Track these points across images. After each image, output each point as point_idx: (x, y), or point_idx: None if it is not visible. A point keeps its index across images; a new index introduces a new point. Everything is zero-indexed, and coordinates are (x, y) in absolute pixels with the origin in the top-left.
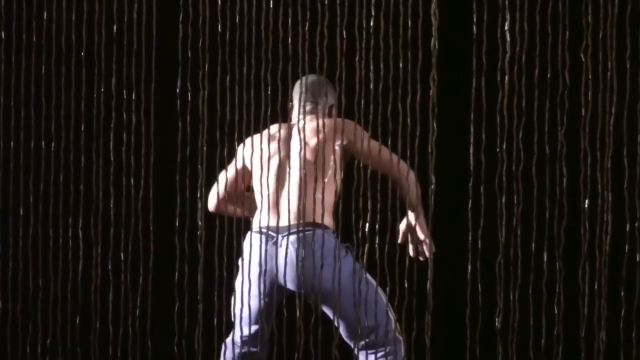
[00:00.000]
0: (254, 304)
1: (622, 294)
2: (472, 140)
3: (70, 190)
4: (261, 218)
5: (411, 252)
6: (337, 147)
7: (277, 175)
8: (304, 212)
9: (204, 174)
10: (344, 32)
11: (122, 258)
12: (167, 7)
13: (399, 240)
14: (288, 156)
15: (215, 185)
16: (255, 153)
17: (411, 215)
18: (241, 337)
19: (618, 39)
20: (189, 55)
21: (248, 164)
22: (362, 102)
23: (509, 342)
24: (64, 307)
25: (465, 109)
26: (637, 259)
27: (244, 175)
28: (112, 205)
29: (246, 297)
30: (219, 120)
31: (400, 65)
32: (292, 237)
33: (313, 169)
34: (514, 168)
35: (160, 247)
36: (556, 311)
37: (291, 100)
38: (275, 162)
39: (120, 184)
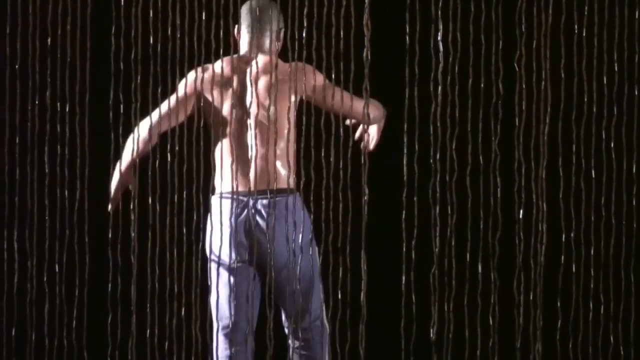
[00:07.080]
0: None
1: (558, 304)
2: (405, 151)
3: (4, 202)
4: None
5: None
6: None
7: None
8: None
9: (136, 185)
10: None
11: (57, 270)
12: (99, 20)
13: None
14: (247, 113)
15: (153, 116)
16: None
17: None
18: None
19: (552, 49)
20: (121, 67)
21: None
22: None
23: (443, 353)
24: None
25: (398, 119)
26: (573, 269)
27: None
28: (47, 218)
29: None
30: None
31: (333, 76)
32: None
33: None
34: (447, 178)
35: (94, 258)
36: (491, 322)
37: (238, 24)
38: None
39: (55, 196)
